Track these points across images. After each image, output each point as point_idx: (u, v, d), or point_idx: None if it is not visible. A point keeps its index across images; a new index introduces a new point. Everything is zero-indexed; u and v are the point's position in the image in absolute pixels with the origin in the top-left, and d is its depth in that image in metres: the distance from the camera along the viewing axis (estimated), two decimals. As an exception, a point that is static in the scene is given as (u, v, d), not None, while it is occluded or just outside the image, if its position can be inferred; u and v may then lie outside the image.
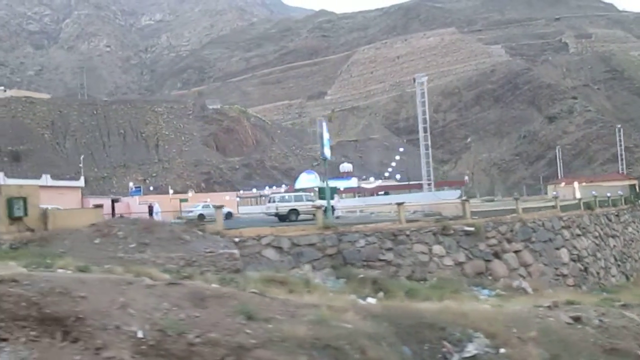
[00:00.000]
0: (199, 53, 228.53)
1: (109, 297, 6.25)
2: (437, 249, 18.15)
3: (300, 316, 6.08)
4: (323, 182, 47.82)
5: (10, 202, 12.95)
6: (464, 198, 25.83)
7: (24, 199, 13.17)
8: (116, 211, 28.99)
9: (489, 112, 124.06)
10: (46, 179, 34.67)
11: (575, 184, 47.55)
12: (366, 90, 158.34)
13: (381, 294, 10.58)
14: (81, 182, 40.08)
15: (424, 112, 36.10)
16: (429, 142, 36.42)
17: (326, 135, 19.92)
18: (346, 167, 74.42)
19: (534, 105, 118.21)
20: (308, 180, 60.64)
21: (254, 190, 66.44)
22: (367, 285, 11.40)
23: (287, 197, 26.06)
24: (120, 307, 6.17)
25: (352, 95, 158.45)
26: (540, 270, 20.12)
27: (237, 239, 14.64)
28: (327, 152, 20.29)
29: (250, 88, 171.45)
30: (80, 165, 53.53)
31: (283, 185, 69.20)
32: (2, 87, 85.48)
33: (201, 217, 25.70)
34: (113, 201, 34.38)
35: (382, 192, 59.80)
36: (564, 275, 21.03)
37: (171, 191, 52.89)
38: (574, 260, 22.26)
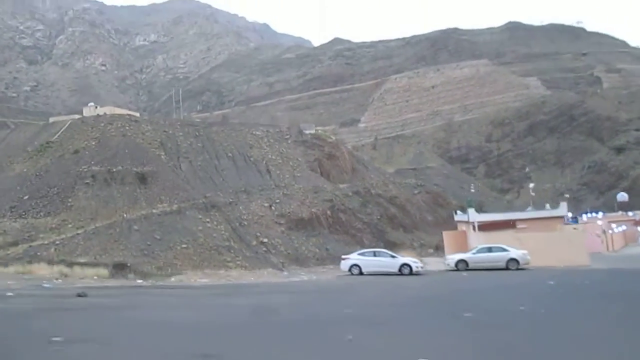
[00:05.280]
0: (208, 76, 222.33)
1: None
2: None
3: None
4: None
5: None
6: None
7: None
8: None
9: (545, 142, 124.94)
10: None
11: None
12: (402, 119, 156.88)
13: None
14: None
15: None
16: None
17: None
18: (623, 195, 69.79)
19: (594, 136, 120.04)
20: None
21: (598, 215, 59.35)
22: None
23: None
24: None
25: (388, 123, 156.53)
26: None
27: None
28: None
29: (279, 113, 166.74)
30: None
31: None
32: (92, 104, 77.54)
33: None
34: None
35: None
36: None
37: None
38: None
